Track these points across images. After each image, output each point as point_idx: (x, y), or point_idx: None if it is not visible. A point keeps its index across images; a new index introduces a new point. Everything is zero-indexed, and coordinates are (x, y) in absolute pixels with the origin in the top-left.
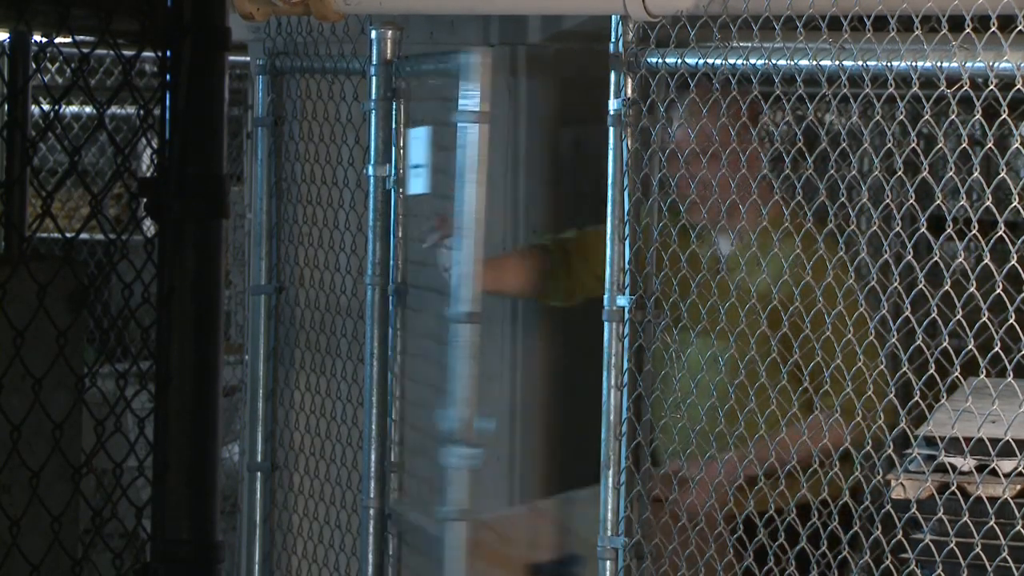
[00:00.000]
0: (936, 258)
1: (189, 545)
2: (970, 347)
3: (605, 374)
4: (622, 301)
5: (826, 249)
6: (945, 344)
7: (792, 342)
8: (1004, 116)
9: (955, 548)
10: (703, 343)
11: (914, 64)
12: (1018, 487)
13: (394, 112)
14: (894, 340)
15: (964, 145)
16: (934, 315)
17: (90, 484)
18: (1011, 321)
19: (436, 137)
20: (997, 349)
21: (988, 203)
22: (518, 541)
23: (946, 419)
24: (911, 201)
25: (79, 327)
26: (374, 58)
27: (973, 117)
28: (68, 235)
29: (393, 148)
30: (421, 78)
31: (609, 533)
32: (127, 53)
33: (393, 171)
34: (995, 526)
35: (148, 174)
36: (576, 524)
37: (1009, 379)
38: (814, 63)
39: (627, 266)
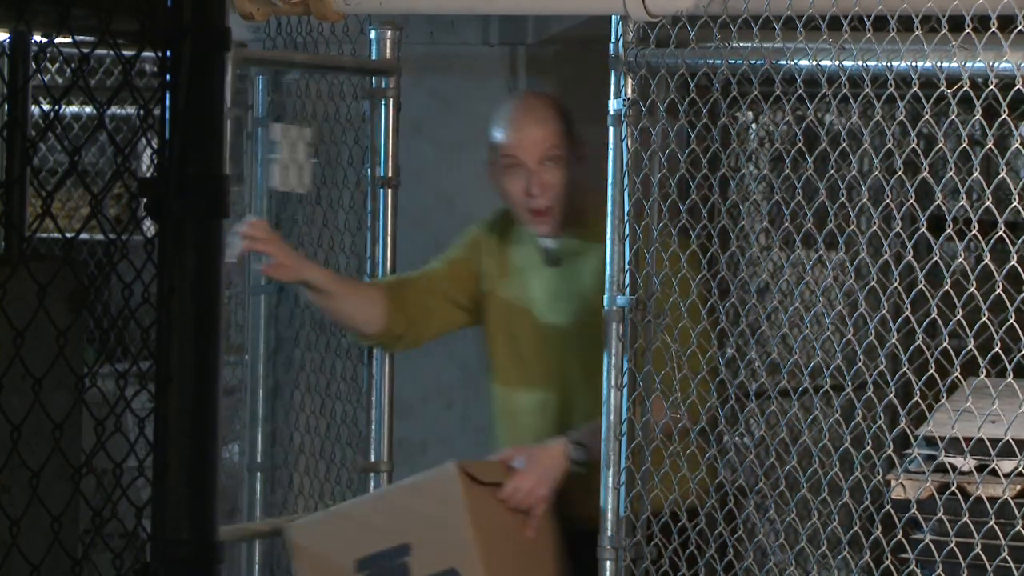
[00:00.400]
0: (936, 258)
1: (189, 545)
2: (970, 347)
3: (605, 374)
4: (622, 301)
5: (661, 244)
6: (945, 344)
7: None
8: (1004, 116)
9: (955, 548)
10: (535, 336)
11: (914, 64)
12: (1018, 487)
13: (383, 111)
14: (894, 340)
15: (964, 145)
16: (934, 315)
17: (90, 484)
18: (1011, 321)
19: (299, 135)
20: (997, 349)
21: (988, 203)
22: (343, 538)
23: (946, 419)
24: (911, 201)
25: (79, 327)
26: (374, 58)
27: (973, 117)
28: (68, 235)
29: (381, 149)
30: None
31: (609, 533)
32: (127, 53)
33: (382, 170)
34: (995, 526)
35: (148, 174)
36: (411, 512)
37: (1009, 379)
38: (814, 63)
39: (627, 266)
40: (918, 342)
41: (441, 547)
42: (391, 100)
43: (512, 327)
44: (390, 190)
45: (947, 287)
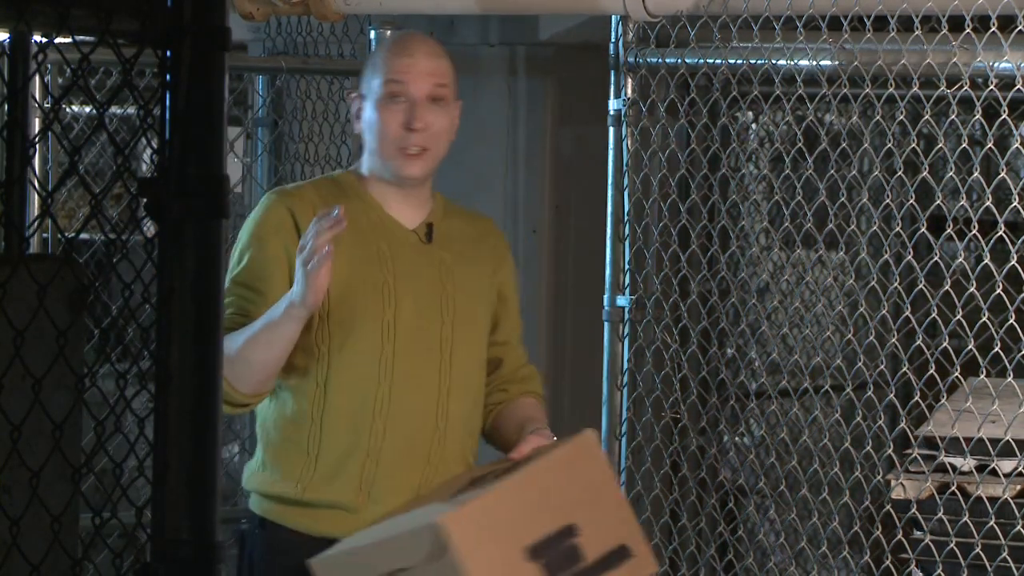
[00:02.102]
0: (936, 258)
1: (189, 545)
2: (970, 347)
3: (605, 374)
4: (622, 301)
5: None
6: (945, 344)
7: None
8: (1004, 116)
9: (955, 548)
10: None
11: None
12: (1018, 487)
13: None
14: (894, 340)
15: (964, 145)
16: (934, 315)
17: (90, 484)
18: (1011, 321)
19: None
20: (997, 349)
21: (988, 203)
22: (504, 523)
23: (946, 419)
24: (911, 201)
25: (79, 327)
26: None
27: (973, 117)
28: (68, 235)
29: None
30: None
31: None
32: (127, 52)
33: None
34: (995, 526)
35: (148, 174)
36: (565, 489)
37: (1009, 379)
38: (814, 63)
39: (627, 266)
40: (918, 342)
41: (605, 522)
42: None
43: (354, 306)
44: None
45: (947, 287)
